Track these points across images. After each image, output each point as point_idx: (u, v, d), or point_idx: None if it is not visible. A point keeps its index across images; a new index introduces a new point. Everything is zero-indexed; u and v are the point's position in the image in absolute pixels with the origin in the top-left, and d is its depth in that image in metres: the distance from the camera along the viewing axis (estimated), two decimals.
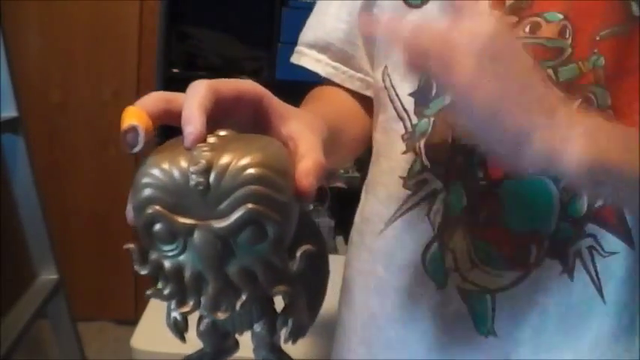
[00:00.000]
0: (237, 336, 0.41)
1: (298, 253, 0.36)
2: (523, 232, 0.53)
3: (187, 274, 0.35)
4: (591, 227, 0.52)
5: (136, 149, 0.36)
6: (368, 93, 0.65)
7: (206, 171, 0.33)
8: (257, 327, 0.39)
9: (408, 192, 0.57)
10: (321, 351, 1.04)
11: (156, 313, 1.16)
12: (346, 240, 2.25)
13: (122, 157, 2.15)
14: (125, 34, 2.01)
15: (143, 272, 0.37)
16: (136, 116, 0.36)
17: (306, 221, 0.38)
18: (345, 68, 0.65)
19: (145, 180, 0.34)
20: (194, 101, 0.36)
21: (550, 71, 0.51)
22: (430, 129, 0.55)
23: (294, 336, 0.38)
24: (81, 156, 2.14)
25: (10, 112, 1.51)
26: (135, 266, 0.37)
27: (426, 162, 0.56)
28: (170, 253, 0.35)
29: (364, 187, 0.66)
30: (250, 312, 0.38)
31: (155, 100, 0.38)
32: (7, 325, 1.41)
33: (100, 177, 2.17)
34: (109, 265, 2.23)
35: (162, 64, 2.08)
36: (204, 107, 0.36)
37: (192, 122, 0.35)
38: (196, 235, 0.34)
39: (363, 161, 0.67)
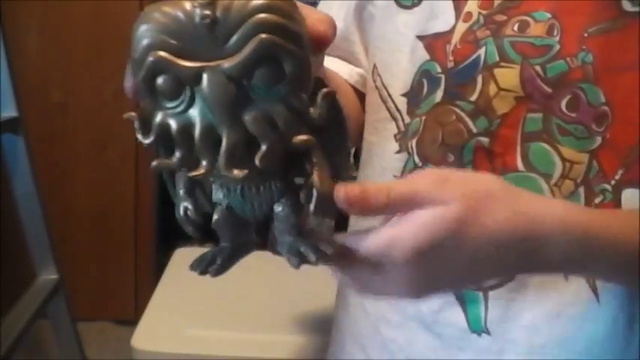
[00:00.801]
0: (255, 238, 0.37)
1: (319, 96, 0.32)
2: None
3: (198, 129, 0.31)
4: None
5: None
6: (365, 90, 0.65)
7: (211, 3, 0.30)
8: (278, 207, 0.34)
9: None
10: (317, 351, 1.04)
11: (156, 313, 1.16)
12: None
13: (122, 157, 2.17)
14: (125, 34, 2.01)
15: (147, 141, 0.32)
16: None
17: (320, 80, 0.34)
18: (345, 62, 0.66)
19: (144, 27, 0.31)
20: None
21: (538, 68, 0.51)
22: (421, 128, 0.55)
23: (321, 209, 0.34)
24: (81, 156, 2.15)
25: (10, 112, 1.51)
26: (138, 136, 0.33)
27: (418, 161, 0.56)
28: (177, 109, 0.31)
29: None
30: (270, 189, 0.34)
31: None
32: (7, 325, 1.41)
33: (100, 177, 2.17)
34: (109, 265, 2.23)
35: None
36: None
37: None
38: (205, 79, 0.30)
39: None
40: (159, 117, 0.32)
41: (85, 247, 2.19)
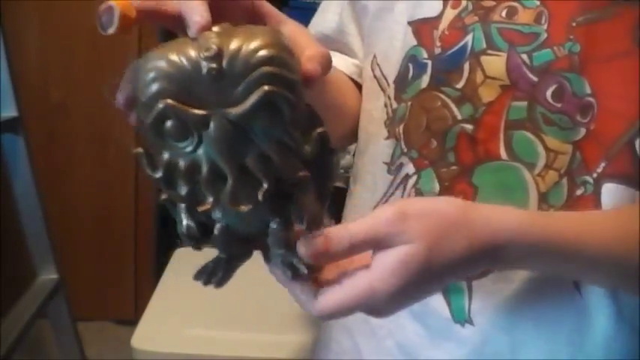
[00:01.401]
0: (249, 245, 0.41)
1: (313, 136, 0.36)
2: None
3: (204, 169, 0.34)
4: None
5: (110, 30, 0.36)
6: (361, 81, 0.66)
7: (218, 56, 0.32)
8: (272, 224, 0.37)
9: (391, 177, 0.57)
10: (310, 352, 1.04)
11: (156, 313, 1.16)
12: None
13: (122, 157, 2.16)
14: (125, 34, 2.01)
15: (157, 176, 0.35)
16: (117, 1, 0.36)
17: (311, 112, 0.38)
18: (340, 54, 0.66)
19: (152, 74, 0.33)
20: None
21: (525, 56, 0.51)
22: (407, 113, 0.55)
23: (311, 226, 0.38)
24: (81, 156, 2.15)
25: (10, 112, 1.51)
26: (146, 171, 0.35)
27: (404, 146, 0.56)
28: (185, 150, 0.34)
29: (351, 179, 0.66)
30: (264, 208, 0.37)
31: None
32: (7, 325, 1.41)
33: (100, 177, 2.17)
34: (109, 265, 2.23)
35: None
36: (205, 4, 0.36)
37: (197, 11, 0.35)
38: (212, 125, 0.33)
39: None
40: (166, 155, 0.35)
41: (85, 247, 2.19)
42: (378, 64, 0.60)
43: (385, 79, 0.59)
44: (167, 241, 2.22)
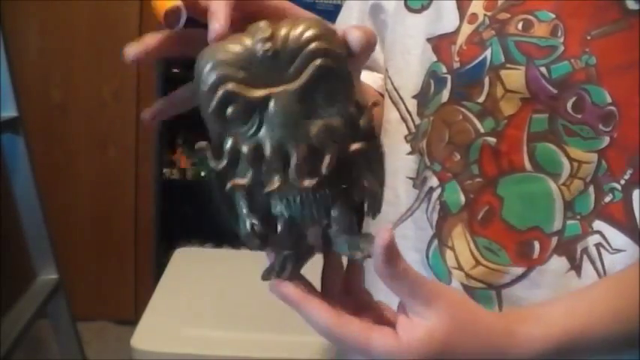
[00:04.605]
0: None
1: (368, 107, 0.38)
2: (524, 229, 0.53)
3: (268, 149, 0.36)
4: (598, 224, 0.52)
5: (177, 28, 0.39)
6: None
7: (271, 37, 0.35)
8: (334, 211, 0.38)
9: (417, 191, 0.58)
10: (317, 351, 1.04)
11: (156, 313, 1.16)
12: None
13: (122, 157, 2.16)
14: (125, 34, 2.02)
15: (220, 166, 0.37)
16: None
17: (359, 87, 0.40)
18: (366, 70, 0.67)
19: (210, 64, 0.35)
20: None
21: (543, 69, 0.51)
22: (430, 128, 0.56)
23: (373, 208, 0.39)
24: (81, 156, 2.15)
25: (10, 112, 1.51)
26: (210, 164, 0.37)
27: (427, 161, 0.56)
28: (248, 133, 0.36)
29: None
30: (325, 195, 0.38)
31: None
32: (7, 325, 1.41)
33: (100, 177, 2.17)
34: (109, 265, 2.23)
35: (163, 64, 2.08)
36: (230, 5, 0.38)
37: (217, 18, 0.37)
38: (272, 103, 0.35)
39: None
40: (229, 142, 0.36)
41: (85, 247, 2.19)
42: (389, 77, 0.61)
43: (397, 91, 0.59)
44: (167, 241, 2.22)
